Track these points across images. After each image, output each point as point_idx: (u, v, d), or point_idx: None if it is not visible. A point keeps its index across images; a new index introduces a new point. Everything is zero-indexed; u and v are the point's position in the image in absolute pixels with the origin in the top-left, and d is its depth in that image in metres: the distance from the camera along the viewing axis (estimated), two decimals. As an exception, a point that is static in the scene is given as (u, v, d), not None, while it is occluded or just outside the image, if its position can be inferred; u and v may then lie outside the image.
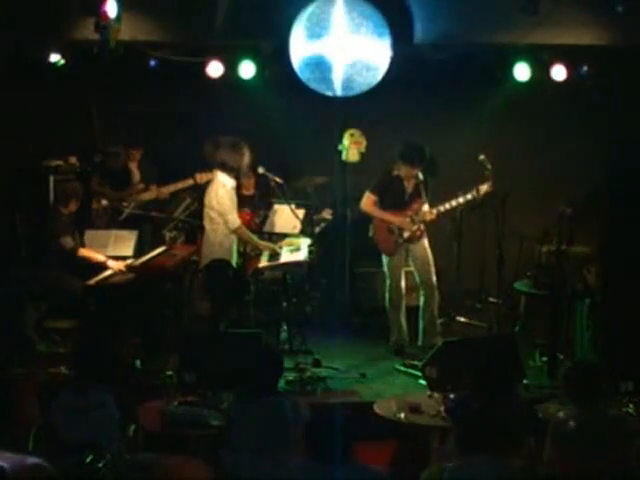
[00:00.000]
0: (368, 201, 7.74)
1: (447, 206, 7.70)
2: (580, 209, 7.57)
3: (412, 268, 7.88)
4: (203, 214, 7.36)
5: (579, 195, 8.25)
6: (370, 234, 7.83)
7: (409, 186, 7.71)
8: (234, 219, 7.20)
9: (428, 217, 7.68)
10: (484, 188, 7.60)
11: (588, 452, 4.58)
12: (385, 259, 7.81)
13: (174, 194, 8.61)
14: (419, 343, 7.72)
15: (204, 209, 7.34)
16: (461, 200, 7.67)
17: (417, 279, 7.79)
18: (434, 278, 7.72)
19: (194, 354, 6.06)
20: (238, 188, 7.61)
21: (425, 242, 7.76)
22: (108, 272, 7.38)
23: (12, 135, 8.57)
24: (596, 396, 4.77)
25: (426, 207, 7.71)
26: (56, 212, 7.59)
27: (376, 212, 7.74)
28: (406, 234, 7.68)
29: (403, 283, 7.81)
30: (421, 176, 7.68)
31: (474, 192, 7.61)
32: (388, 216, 7.70)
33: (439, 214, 7.72)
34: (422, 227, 7.71)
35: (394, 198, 7.72)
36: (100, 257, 7.46)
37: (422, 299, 7.75)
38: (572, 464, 4.58)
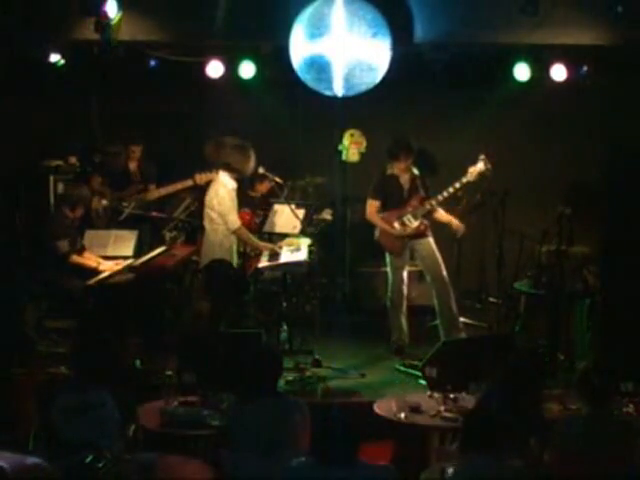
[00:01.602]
0: (372, 209, 7.73)
1: (445, 194, 7.65)
2: (580, 209, 7.57)
3: (421, 267, 7.87)
4: (203, 214, 7.36)
5: (579, 195, 8.25)
6: (376, 237, 7.81)
7: (406, 182, 7.72)
8: (234, 220, 7.20)
9: (428, 206, 7.66)
10: (478, 167, 7.57)
11: (596, 452, 4.57)
12: (388, 258, 7.80)
13: (174, 194, 8.61)
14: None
15: (204, 209, 7.34)
16: (457, 185, 7.61)
17: (427, 278, 7.77)
18: (445, 273, 7.68)
19: (194, 354, 6.06)
20: (247, 189, 7.60)
21: (430, 239, 7.75)
22: (108, 272, 7.38)
23: (12, 135, 8.57)
24: (610, 397, 4.79)
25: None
26: (60, 213, 7.55)
27: (380, 223, 7.71)
28: (413, 226, 7.63)
29: (405, 283, 7.81)
30: (416, 171, 7.71)
31: (467, 176, 7.59)
32: (390, 228, 7.68)
33: (438, 203, 7.69)
34: (426, 222, 7.71)
35: (394, 197, 7.72)
36: (92, 263, 7.44)
37: (436, 300, 7.70)
38: (577, 465, 4.56)
